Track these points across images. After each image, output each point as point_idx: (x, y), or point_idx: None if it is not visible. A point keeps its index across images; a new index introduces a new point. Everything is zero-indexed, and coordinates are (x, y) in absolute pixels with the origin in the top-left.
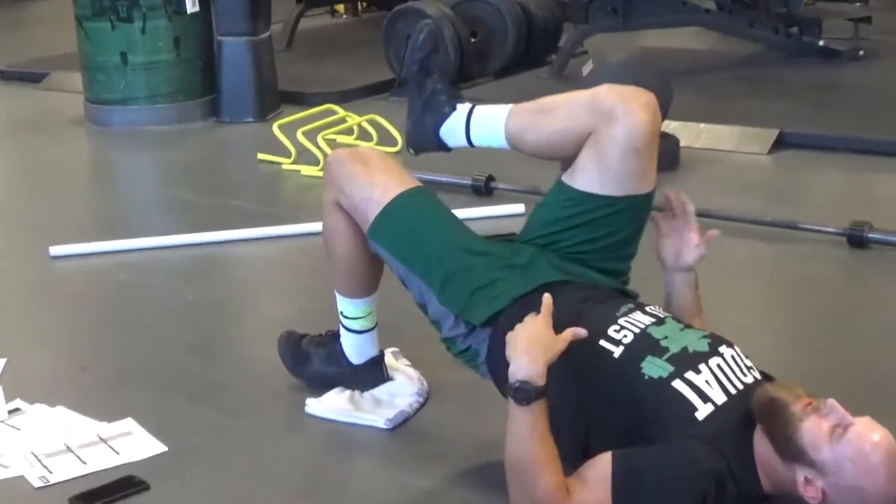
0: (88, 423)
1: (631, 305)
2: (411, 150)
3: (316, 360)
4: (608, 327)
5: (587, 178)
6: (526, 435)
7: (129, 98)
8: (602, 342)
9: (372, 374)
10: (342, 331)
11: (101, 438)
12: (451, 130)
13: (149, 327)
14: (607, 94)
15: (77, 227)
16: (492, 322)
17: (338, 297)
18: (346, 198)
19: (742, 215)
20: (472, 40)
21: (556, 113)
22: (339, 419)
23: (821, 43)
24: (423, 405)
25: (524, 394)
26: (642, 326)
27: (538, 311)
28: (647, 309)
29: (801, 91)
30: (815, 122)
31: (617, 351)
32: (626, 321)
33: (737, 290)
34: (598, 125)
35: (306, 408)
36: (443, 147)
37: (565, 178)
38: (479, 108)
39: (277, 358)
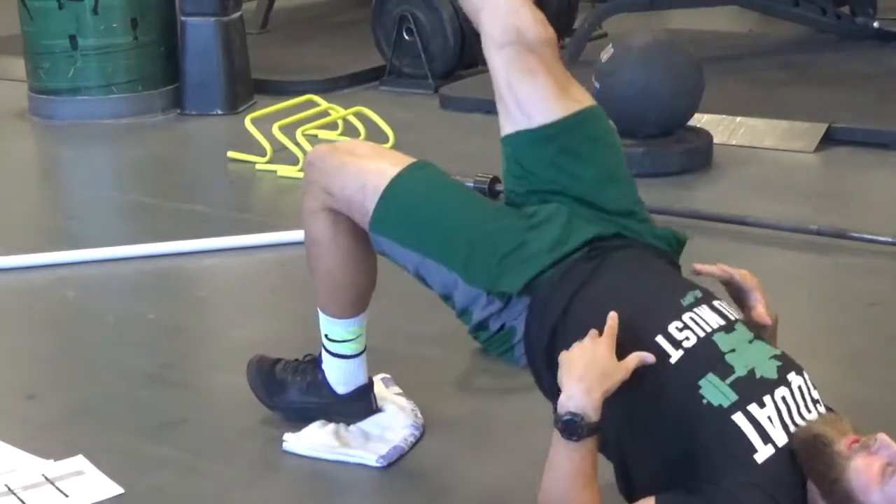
0: (33, 460)
1: (699, 294)
2: None
3: (293, 390)
4: (670, 322)
5: (507, 117)
6: (567, 475)
7: (80, 87)
8: (660, 338)
9: (360, 404)
10: (325, 356)
11: (47, 479)
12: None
13: (102, 352)
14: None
15: (18, 235)
16: (529, 289)
17: (322, 317)
18: (337, 194)
19: (785, 223)
20: None
21: None
22: (323, 456)
23: (875, 24)
24: (418, 440)
25: (574, 428)
26: (708, 331)
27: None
28: (716, 304)
29: (852, 80)
30: (870, 115)
31: (675, 355)
32: (692, 318)
33: (779, 308)
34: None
35: (284, 444)
36: None
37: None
38: None
39: (249, 388)
